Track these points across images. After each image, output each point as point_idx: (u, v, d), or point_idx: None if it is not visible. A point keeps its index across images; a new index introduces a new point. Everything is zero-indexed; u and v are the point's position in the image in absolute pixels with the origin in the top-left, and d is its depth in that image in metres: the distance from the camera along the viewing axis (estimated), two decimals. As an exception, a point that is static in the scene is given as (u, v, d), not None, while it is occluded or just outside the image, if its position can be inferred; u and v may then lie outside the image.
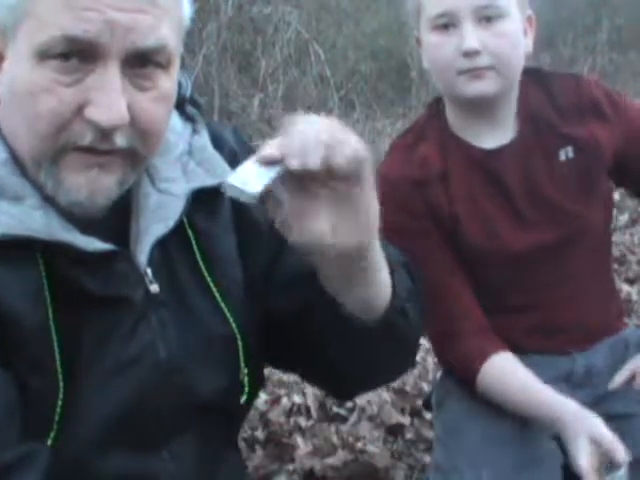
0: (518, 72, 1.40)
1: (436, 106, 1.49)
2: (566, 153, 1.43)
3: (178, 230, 0.92)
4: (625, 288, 3.34)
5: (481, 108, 1.41)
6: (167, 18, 0.82)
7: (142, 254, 0.89)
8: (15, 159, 0.85)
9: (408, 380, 2.49)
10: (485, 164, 1.43)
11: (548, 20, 9.61)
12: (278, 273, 1.00)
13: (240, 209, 0.97)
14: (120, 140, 0.81)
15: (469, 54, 1.32)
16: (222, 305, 0.95)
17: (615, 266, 3.46)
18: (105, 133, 0.80)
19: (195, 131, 0.98)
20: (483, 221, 1.43)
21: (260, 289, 1.00)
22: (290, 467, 2.09)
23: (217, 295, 0.95)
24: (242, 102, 6.03)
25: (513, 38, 1.35)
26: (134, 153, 0.84)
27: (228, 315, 0.95)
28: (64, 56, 0.78)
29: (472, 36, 1.31)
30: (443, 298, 1.41)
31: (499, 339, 1.44)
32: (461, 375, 1.46)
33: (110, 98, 0.78)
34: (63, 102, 0.79)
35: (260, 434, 2.23)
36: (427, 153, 1.43)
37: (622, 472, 1.26)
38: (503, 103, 1.41)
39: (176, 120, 0.96)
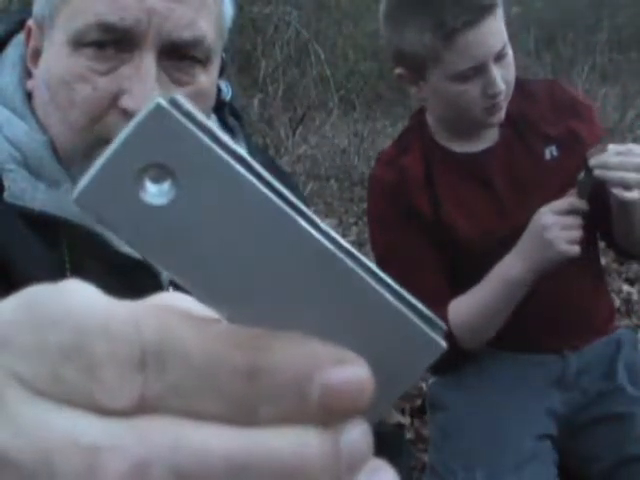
0: None
1: (418, 117, 1.54)
2: (551, 152, 1.47)
3: None
4: (625, 288, 3.34)
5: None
6: (206, 12, 0.80)
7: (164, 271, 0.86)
8: (52, 144, 0.83)
9: (408, 380, 2.49)
10: (470, 165, 1.47)
11: (548, 20, 9.63)
12: None
13: None
14: None
15: (497, 95, 1.36)
16: None
17: (615, 266, 3.46)
18: None
19: None
20: (471, 217, 1.46)
21: None
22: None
23: None
24: (242, 102, 6.03)
25: (512, 61, 1.39)
26: None
27: None
28: (99, 44, 0.77)
29: (499, 80, 1.34)
30: (415, 282, 1.44)
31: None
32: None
33: (145, 87, 0.76)
34: (97, 90, 0.77)
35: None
36: (409, 163, 1.48)
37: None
38: None
39: None
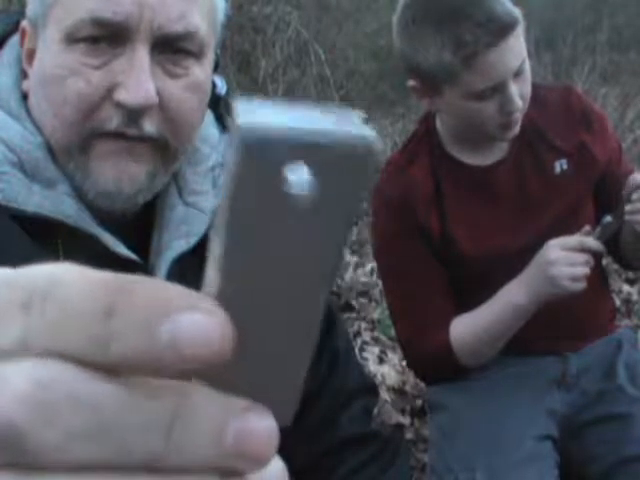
0: None
1: (426, 124, 1.51)
2: (561, 165, 1.46)
3: (197, 247, 0.88)
4: (625, 288, 3.34)
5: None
6: (198, 5, 0.81)
7: (160, 270, 0.86)
8: (48, 145, 0.83)
9: (408, 380, 2.49)
10: (480, 179, 1.46)
11: (548, 20, 9.62)
12: None
13: None
14: (149, 126, 0.79)
15: (514, 112, 1.34)
16: None
17: (615, 266, 3.46)
18: (133, 116, 0.78)
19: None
20: (478, 234, 1.45)
21: None
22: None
23: None
24: (242, 102, 6.02)
25: (530, 74, 1.37)
26: (164, 144, 0.81)
27: None
28: (92, 39, 0.77)
29: (517, 97, 1.33)
30: (418, 301, 1.45)
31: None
32: (437, 361, 1.46)
33: (138, 80, 0.77)
34: (91, 84, 0.78)
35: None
36: (417, 176, 1.45)
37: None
38: None
39: (213, 131, 0.94)
